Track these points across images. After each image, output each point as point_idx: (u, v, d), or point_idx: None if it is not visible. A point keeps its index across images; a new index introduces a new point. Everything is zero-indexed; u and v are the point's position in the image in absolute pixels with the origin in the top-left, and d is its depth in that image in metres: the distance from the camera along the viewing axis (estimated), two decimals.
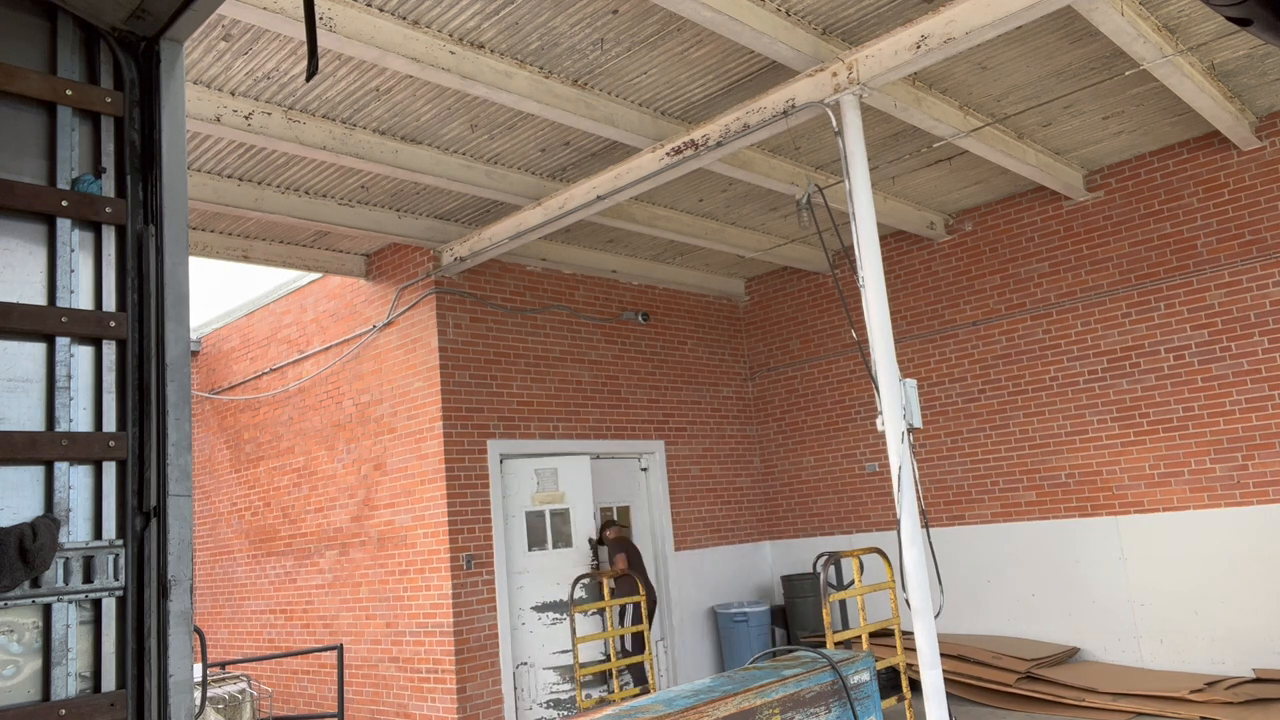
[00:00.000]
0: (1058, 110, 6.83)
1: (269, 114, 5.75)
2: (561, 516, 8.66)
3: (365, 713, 8.36)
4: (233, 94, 5.58)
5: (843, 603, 8.55)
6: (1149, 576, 7.61)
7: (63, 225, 1.92)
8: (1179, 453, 7.52)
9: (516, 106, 5.68)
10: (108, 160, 2.01)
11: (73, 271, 1.92)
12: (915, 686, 8.24)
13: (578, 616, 8.40)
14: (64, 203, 1.91)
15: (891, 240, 9.47)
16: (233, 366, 10.83)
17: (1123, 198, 7.97)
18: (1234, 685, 6.75)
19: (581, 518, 8.78)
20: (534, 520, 8.47)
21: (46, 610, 1.79)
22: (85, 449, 1.87)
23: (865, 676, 4.14)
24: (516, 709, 7.96)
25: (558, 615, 8.45)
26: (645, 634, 7.75)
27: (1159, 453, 7.62)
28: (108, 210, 1.97)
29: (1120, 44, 5.46)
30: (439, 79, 5.25)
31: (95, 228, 1.97)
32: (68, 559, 1.82)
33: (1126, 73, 6.22)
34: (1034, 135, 7.29)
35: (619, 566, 8.01)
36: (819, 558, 7.93)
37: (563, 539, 8.62)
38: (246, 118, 5.64)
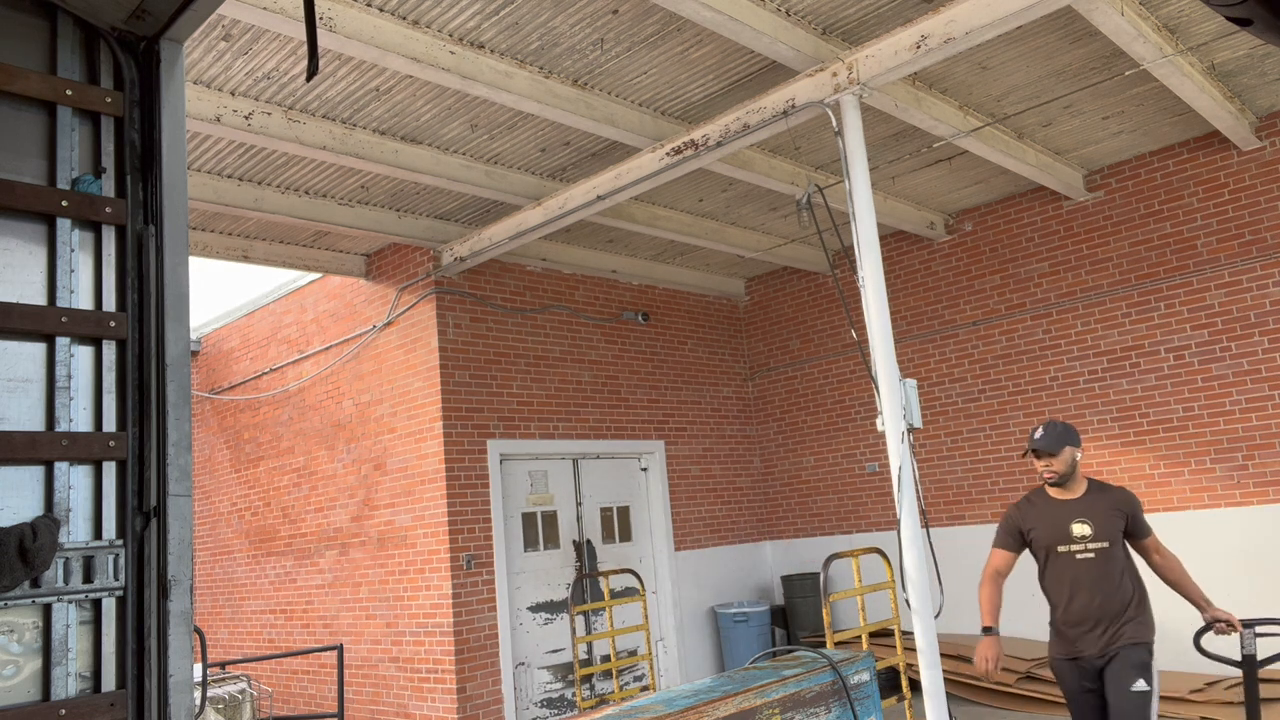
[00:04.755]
0: (1058, 110, 6.83)
1: (269, 114, 5.75)
2: (551, 518, 8.68)
3: (365, 713, 8.36)
4: (233, 94, 5.58)
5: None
6: (1149, 576, 7.59)
7: (63, 225, 1.92)
8: (1179, 453, 7.52)
9: (516, 106, 5.68)
10: (108, 160, 2.01)
11: (73, 271, 1.92)
12: (915, 686, 8.23)
13: (566, 618, 8.41)
14: (64, 203, 1.91)
15: (891, 240, 9.47)
16: (233, 366, 10.83)
17: (1123, 198, 7.97)
18: (1234, 685, 6.75)
19: (566, 519, 8.80)
20: (528, 521, 8.50)
21: (46, 610, 1.79)
22: (85, 449, 1.86)
23: (865, 676, 4.14)
24: (516, 709, 7.96)
25: (550, 615, 8.46)
26: None
27: (1159, 453, 7.62)
28: (108, 210, 1.97)
29: (1120, 44, 5.46)
30: (439, 79, 5.25)
31: (95, 228, 1.97)
32: (68, 559, 1.82)
33: (1126, 73, 6.22)
34: (1034, 135, 7.29)
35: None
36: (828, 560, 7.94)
37: (552, 540, 8.65)
38: (246, 118, 5.64)
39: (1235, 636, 5.96)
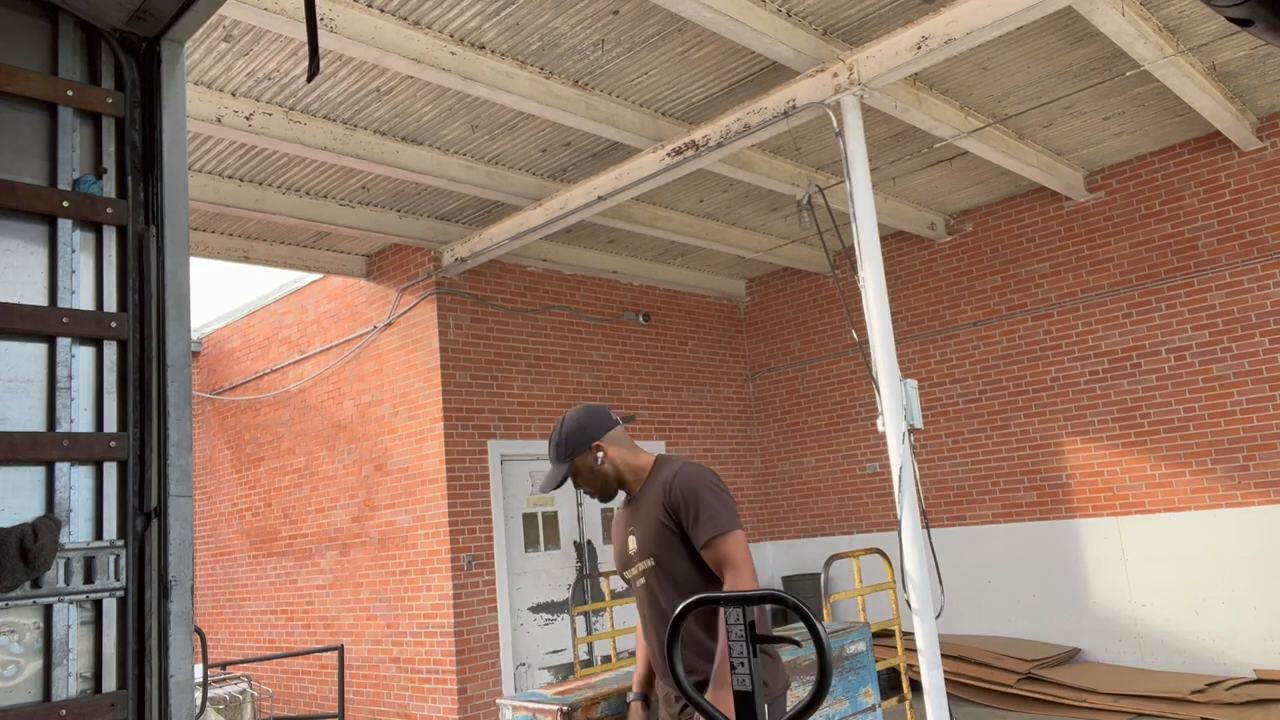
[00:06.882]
0: (1058, 111, 6.83)
1: (270, 115, 5.75)
2: (551, 519, 8.67)
3: (366, 713, 8.36)
4: (234, 95, 5.58)
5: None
6: (1150, 577, 7.60)
7: (64, 226, 1.92)
8: (1180, 453, 7.51)
9: (517, 107, 5.68)
10: (109, 161, 2.01)
11: (74, 272, 1.92)
12: (916, 687, 8.23)
13: (566, 618, 8.40)
14: (65, 203, 1.91)
15: (892, 240, 9.47)
16: (234, 367, 10.83)
17: (1123, 198, 7.97)
18: (1234, 686, 6.74)
19: (567, 520, 8.79)
20: (529, 522, 8.49)
21: (47, 611, 1.79)
22: (86, 449, 1.86)
23: (861, 647, 4.24)
24: None
25: (551, 616, 8.46)
26: None
27: (1160, 453, 7.62)
28: (109, 211, 1.97)
29: (1121, 44, 5.46)
30: (440, 80, 5.25)
31: (96, 228, 1.97)
32: (68, 559, 1.82)
33: (1127, 73, 6.22)
34: (1034, 136, 7.28)
35: None
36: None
37: (553, 541, 8.64)
38: (247, 118, 5.64)
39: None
